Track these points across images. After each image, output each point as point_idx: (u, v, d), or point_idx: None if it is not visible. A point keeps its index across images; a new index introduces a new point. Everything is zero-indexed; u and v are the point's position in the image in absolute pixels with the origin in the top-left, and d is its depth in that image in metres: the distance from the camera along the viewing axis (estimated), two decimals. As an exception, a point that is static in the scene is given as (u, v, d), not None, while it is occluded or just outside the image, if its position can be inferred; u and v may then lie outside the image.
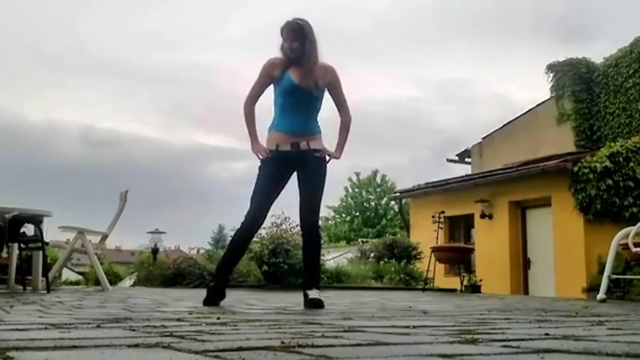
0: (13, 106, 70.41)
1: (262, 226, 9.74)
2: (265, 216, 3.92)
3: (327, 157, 3.96)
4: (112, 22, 66.05)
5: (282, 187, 3.92)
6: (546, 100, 15.79)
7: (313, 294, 3.78)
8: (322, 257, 10.46)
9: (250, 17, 59.00)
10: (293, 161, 3.85)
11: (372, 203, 37.17)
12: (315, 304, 3.70)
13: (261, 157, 3.87)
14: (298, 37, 3.81)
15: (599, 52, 14.61)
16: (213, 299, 3.80)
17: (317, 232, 3.97)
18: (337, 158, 4.02)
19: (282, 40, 3.86)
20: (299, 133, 3.85)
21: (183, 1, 63.78)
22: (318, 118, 3.99)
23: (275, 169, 3.85)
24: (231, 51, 69.34)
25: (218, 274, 3.97)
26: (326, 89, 3.95)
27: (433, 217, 13.12)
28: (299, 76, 3.84)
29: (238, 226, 3.85)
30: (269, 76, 3.92)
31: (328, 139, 4.05)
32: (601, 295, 5.84)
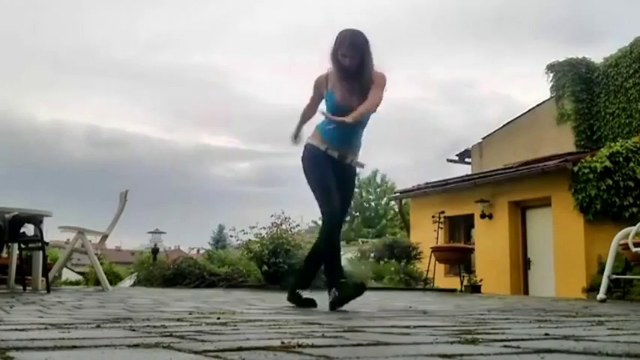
0: (21, 107, 70.54)
1: (264, 227, 9.90)
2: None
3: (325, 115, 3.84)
4: (118, 24, 66.14)
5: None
6: (546, 100, 15.79)
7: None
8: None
9: (257, 20, 59.08)
10: (336, 166, 3.86)
11: (372, 203, 37.19)
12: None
13: (292, 143, 4.10)
14: (358, 52, 3.74)
15: (605, 53, 14.62)
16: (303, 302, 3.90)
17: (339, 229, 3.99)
18: (344, 122, 3.75)
19: (337, 48, 3.76)
20: (345, 147, 3.87)
21: (190, 3, 63.87)
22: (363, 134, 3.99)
23: (326, 163, 3.85)
24: (236, 52, 69.46)
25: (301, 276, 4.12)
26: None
27: (433, 217, 13.13)
28: (346, 93, 3.80)
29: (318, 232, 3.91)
30: (319, 92, 3.96)
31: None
32: (601, 295, 5.84)
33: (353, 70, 3.77)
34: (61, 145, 72.39)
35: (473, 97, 57.94)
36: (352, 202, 4.03)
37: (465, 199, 13.54)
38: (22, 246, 6.30)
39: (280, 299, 5.34)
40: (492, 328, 2.20)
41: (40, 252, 6.26)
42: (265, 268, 9.54)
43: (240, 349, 1.46)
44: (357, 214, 36.05)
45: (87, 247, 6.81)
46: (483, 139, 17.33)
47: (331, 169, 3.84)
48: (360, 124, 3.86)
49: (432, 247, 11.03)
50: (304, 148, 3.94)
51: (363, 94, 3.77)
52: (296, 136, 4.16)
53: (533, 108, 16.16)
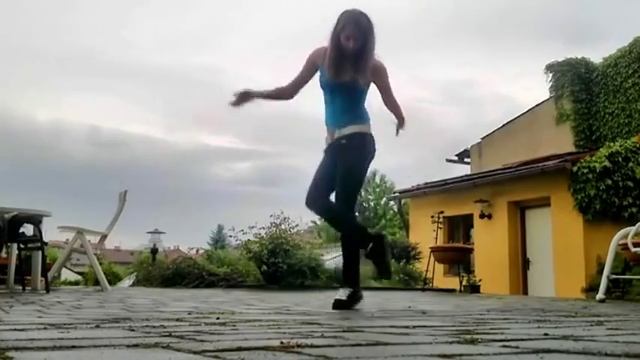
0: (21, 108, 70.72)
1: (263, 227, 9.88)
2: (318, 196, 3.74)
3: (398, 130, 3.95)
4: (118, 24, 66.25)
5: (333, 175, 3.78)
6: (545, 101, 15.79)
7: (339, 294, 3.69)
8: (322, 257, 10.55)
9: (257, 20, 59.16)
10: (334, 152, 3.77)
11: (372, 203, 37.20)
12: (335, 306, 3.60)
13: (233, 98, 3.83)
14: (362, 34, 3.55)
15: (604, 53, 14.70)
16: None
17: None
18: (401, 125, 3.92)
19: (339, 30, 3.58)
20: (336, 124, 3.76)
21: (190, 4, 63.97)
22: (366, 108, 3.83)
23: (324, 157, 3.85)
24: (236, 52, 69.50)
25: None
26: (372, 84, 3.80)
27: (432, 217, 13.11)
28: (339, 72, 3.66)
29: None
30: (313, 63, 3.79)
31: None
32: (600, 295, 5.84)
33: (352, 53, 3.61)
34: (61, 145, 72.53)
35: (473, 97, 58.06)
36: (351, 181, 3.78)
37: (464, 199, 13.54)
38: (22, 246, 6.29)
39: (279, 299, 5.34)
40: (491, 328, 2.20)
41: (40, 252, 6.26)
42: (264, 268, 9.54)
43: (239, 349, 1.46)
44: (357, 214, 36.04)
45: (86, 247, 6.80)
46: (482, 139, 17.33)
47: (328, 158, 3.80)
48: (355, 100, 3.76)
49: (431, 247, 11.03)
50: None
51: (354, 71, 3.65)
52: (243, 96, 3.82)
53: (533, 108, 16.17)
